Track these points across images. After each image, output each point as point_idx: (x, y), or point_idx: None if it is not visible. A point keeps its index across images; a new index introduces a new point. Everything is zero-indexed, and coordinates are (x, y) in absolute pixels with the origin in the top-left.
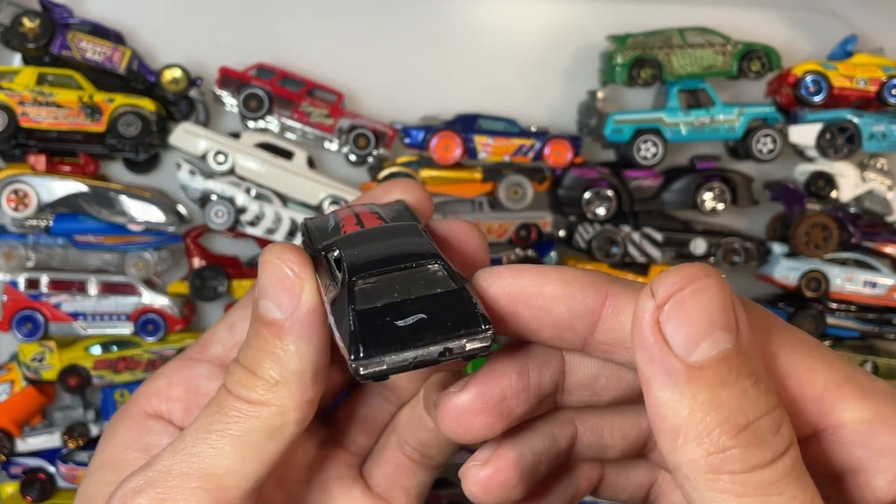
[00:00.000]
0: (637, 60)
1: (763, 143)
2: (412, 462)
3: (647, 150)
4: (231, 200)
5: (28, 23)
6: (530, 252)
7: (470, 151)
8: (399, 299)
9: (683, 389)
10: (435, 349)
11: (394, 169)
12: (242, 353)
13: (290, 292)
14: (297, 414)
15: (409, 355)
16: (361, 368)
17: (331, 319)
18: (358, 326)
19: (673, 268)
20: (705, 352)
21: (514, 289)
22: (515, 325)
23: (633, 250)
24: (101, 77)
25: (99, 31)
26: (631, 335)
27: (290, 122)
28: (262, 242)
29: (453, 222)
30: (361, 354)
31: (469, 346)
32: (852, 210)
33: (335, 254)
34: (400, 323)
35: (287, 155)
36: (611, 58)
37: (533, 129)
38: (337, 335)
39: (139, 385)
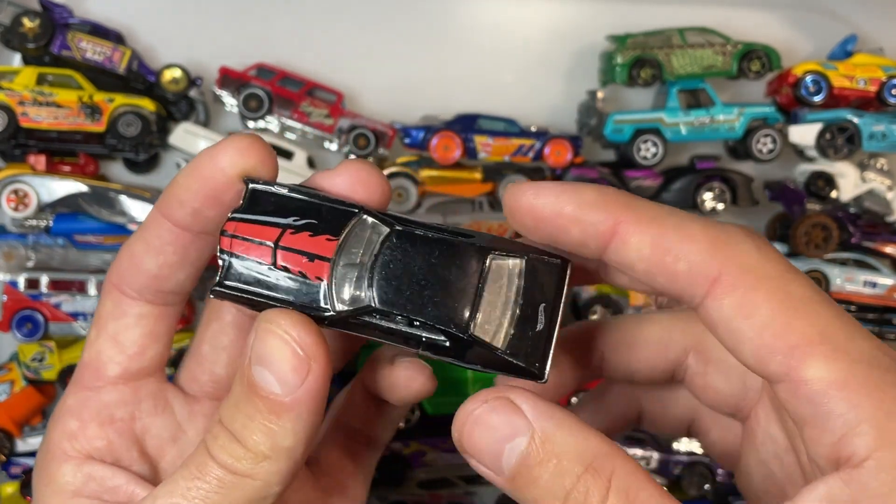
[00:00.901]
0: (637, 60)
1: (763, 143)
2: (357, 444)
3: (647, 150)
4: None
5: (28, 23)
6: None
7: (470, 151)
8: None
9: (515, 497)
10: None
11: (394, 169)
12: (229, 415)
13: (295, 371)
14: (282, 487)
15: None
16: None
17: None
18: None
19: (460, 408)
20: (508, 463)
21: (536, 206)
22: (539, 237)
23: None
24: (101, 77)
25: (99, 31)
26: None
27: (290, 122)
28: None
29: (346, 166)
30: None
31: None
32: (852, 210)
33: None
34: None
35: (287, 155)
36: (611, 58)
37: (533, 129)
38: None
39: (50, 426)
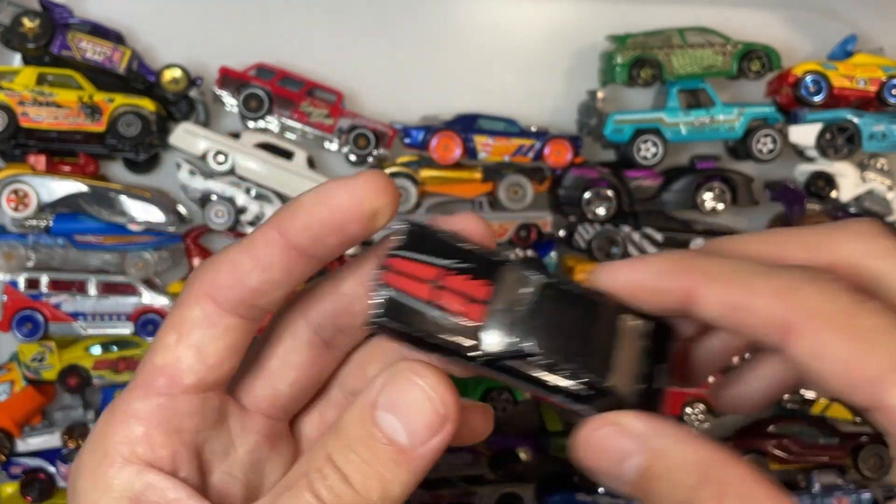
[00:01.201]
0: (637, 60)
1: (763, 143)
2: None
3: (647, 150)
4: (231, 200)
5: (28, 23)
6: (530, 252)
7: (470, 151)
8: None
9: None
10: None
11: (394, 169)
12: (342, 454)
13: (429, 428)
14: None
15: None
16: None
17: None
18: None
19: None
20: (625, 478)
21: (616, 287)
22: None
23: (633, 250)
24: (101, 77)
25: (99, 31)
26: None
27: (290, 122)
28: None
29: (462, 217)
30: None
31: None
32: (852, 210)
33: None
34: None
35: (287, 155)
36: (611, 58)
37: (533, 129)
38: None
39: (106, 427)
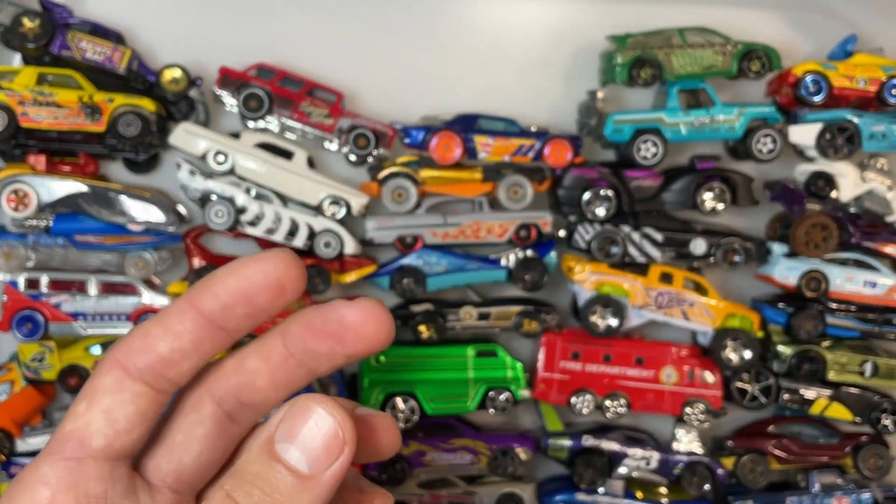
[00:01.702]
0: (637, 60)
1: (763, 143)
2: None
3: (647, 150)
4: (231, 200)
5: (28, 23)
6: (530, 252)
7: (470, 151)
8: None
9: None
10: None
11: (394, 169)
12: (242, 492)
13: (329, 452)
14: None
15: None
16: None
17: None
18: None
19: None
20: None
21: None
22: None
23: (633, 250)
24: (101, 77)
25: (99, 31)
26: None
27: (290, 122)
28: (262, 242)
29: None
30: None
31: None
32: (852, 210)
33: None
34: None
35: (287, 155)
36: (611, 58)
37: (533, 129)
38: None
39: (13, 492)
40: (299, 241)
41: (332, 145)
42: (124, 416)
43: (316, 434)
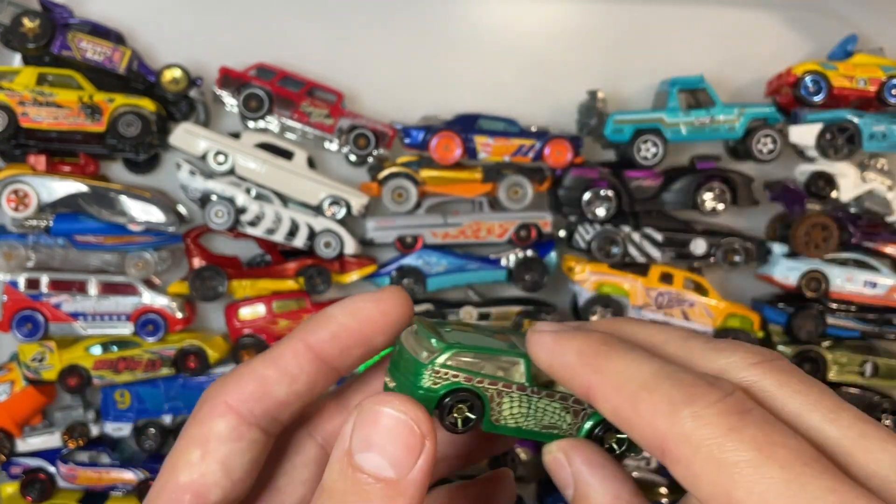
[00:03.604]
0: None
1: (763, 143)
2: None
3: (647, 150)
4: (231, 200)
5: (28, 23)
6: (530, 252)
7: (470, 151)
8: None
9: None
10: None
11: (394, 169)
12: None
13: (410, 450)
14: None
15: None
16: None
17: None
18: None
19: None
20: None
21: (545, 360)
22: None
23: (633, 250)
24: (101, 77)
25: (99, 31)
26: None
27: (290, 122)
28: (262, 242)
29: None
30: None
31: None
32: (852, 210)
33: None
34: None
35: (287, 155)
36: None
37: (533, 129)
38: None
39: None
40: (299, 241)
41: (332, 145)
42: (241, 466)
43: (392, 435)
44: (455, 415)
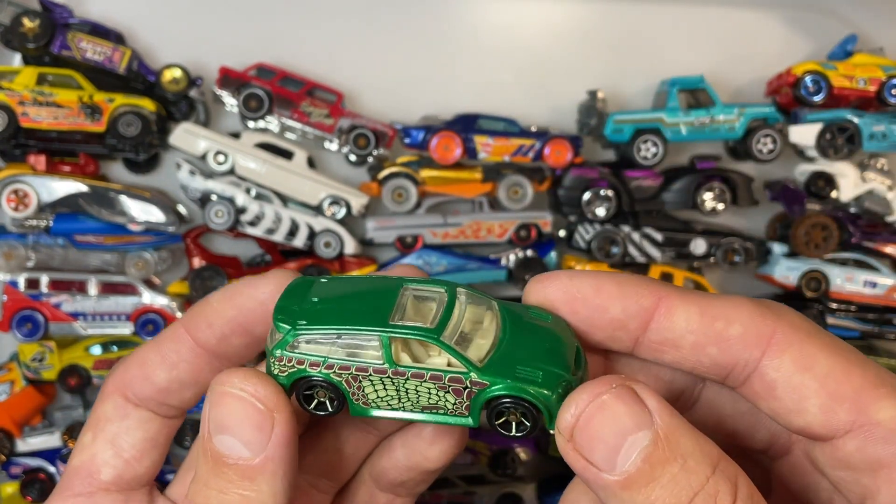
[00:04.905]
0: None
1: (763, 143)
2: (391, 495)
3: (647, 150)
4: (231, 200)
5: (28, 23)
6: (530, 252)
7: (470, 151)
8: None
9: (621, 499)
10: None
11: (394, 169)
12: (200, 494)
13: (259, 428)
14: None
15: None
16: None
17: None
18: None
19: (573, 393)
20: (625, 460)
21: (572, 289)
22: (574, 315)
23: (633, 250)
24: (101, 77)
25: (99, 31)
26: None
27: (290, 122)
28: (262, 242)
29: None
30: None
31: None
32: (852, 210)
33: None
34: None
35: (287, 155)
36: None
37: (533, 129)
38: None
39: None
40: (299, 241)
41: (332, 145)
42: (131, 444)
43: (239, 415)
44: (319, 399)
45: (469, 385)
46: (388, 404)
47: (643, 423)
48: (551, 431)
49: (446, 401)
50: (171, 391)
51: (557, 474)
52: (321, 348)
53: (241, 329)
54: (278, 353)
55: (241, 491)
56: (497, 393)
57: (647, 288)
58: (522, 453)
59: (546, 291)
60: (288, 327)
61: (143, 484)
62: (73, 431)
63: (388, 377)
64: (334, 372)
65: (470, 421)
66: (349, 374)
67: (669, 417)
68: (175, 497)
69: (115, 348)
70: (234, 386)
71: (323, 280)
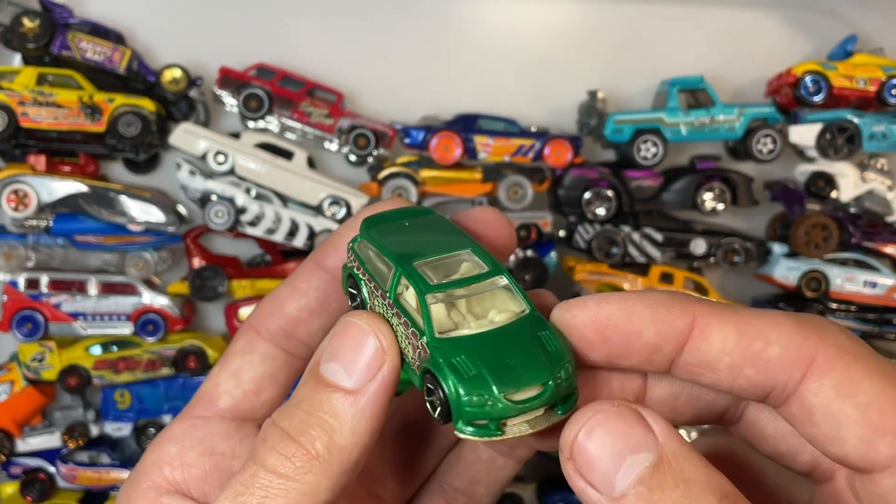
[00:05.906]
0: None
1: (763, 144)
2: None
3: (647, 150)
4: (231, 200)
5: (28, 23)
6: (530, 252)
7: (470, 151)
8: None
9: None
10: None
11: (394, 169)
12: (285, 415)
13: (369, 365)
14: (329, 495)
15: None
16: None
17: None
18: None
19: (577, 413)
20: (623, 481)
21: (602, 316)
22: (604, 353)
23: (633, 250)
24: (101, 77)
25: (99, 31)
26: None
27: (290, 122)
28: (262, 242)
29: (481, 211)
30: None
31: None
32: (852, 210)
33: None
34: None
35: (287, 155)
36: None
37: (533, 129)
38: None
39: (147, 452)
40: (299, 241)
41: (332, 145)
42: (251, 377)
43: (355, 346)
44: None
45: (420, 346)
46: None
47: (644, 445)
48: (460, 435)
49: (408, 349)
50: (300, 321)
51: (557, 474)
52: (369, 258)
53: None
54: (352, 247)
55: (326, 416)
56: (426, 366)
57: (679, 308)
58: None
59: (575, 320)
60: (362, 231)
61: (257, 416)
62: (72, 431)
63: (386, 304)
64: (361, 275)
65: (417, 382)
66: (372, 285)
67: (676, 443)
68: None
69: (115, 348)
70: (362, 318)
71: (419, 213)
